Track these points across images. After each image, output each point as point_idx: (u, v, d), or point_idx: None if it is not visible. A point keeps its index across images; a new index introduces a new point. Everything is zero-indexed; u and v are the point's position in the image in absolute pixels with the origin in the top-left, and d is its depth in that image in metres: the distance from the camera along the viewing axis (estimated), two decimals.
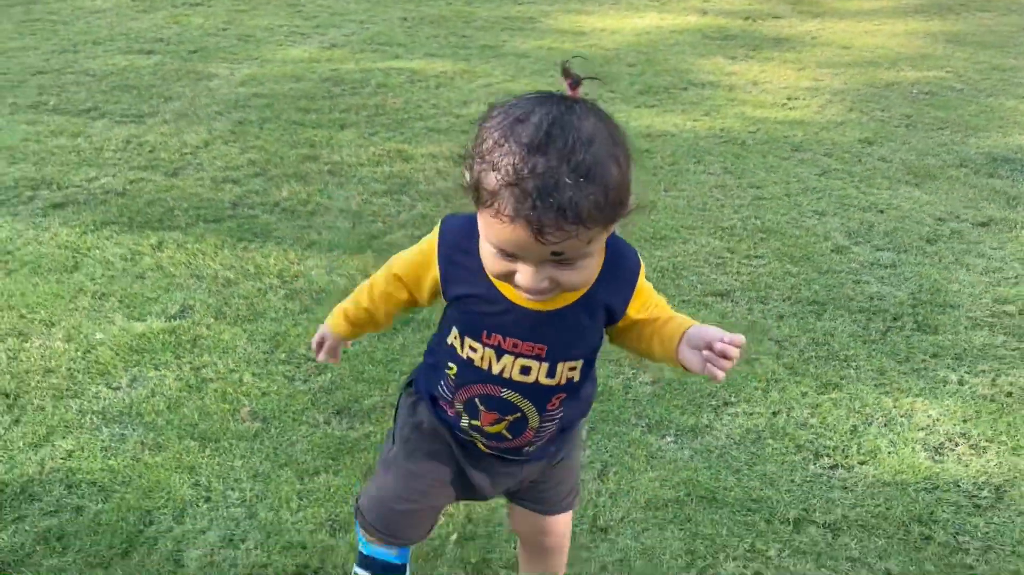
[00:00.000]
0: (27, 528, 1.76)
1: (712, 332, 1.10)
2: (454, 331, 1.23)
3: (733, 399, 2.24)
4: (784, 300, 2.70)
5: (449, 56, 4.99)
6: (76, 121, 3.87)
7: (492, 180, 0.98)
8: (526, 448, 1.31)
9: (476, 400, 1.26)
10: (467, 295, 1.19)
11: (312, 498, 1.87)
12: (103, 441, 2.00)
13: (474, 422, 1.28)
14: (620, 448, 2.06)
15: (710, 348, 1.09)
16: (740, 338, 1.08)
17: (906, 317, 2.63)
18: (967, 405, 2.25)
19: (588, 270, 1.10)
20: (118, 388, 2.18)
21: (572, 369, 1.23)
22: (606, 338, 1.28)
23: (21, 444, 1.99)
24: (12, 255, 2.77)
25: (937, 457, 2.08)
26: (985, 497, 1.96)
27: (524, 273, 1.05)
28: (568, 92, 1.04)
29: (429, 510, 1.38)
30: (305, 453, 1.99)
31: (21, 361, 2.27)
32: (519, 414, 1.26)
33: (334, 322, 1.39)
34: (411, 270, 1.25)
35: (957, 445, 2.12)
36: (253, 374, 2.24)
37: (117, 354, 2.29)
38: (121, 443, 2.00)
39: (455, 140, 3.73)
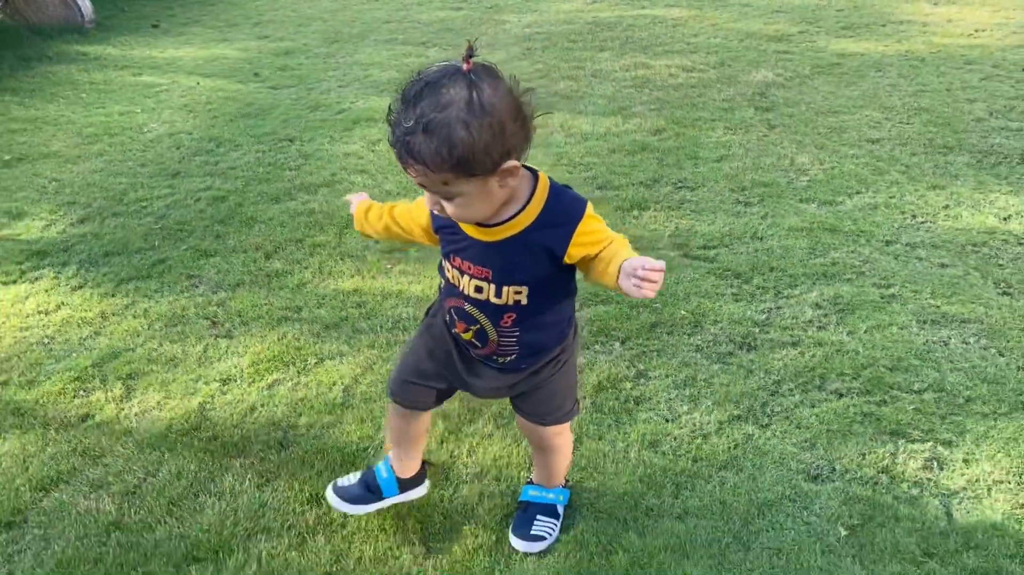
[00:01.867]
0: None
1: (636, 262, 1.34)
2: (441, 256, 1.61)
3: (863, 190, 3.34)
4: (921, 145, 3.71)
5: (684, 6, 6.22)
6: (417, 49, 5.54)
7: (389, 125, 1.33)
8: (496, 358, 1.64)
9: (452, 311, 1.62)
10: (442, 226, 1.56)
11: None
12: None
13: (453, 330, 1.65)
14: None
15: (637, 275, 1.32)
16: (659, 264, 1.32)
17: (1016, 156, 3.56)
18: None
19: (465, 208, 1.38)
20: None
21: (518, 293, 1.53)
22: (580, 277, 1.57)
23: None
24: None
25: (1002, 222, 3.07)
26: None
27: (425, 197, 1.43)
28: (464, 64, 1.28)
29: (431, 389, 1.76)
30: None
31: None
32: (478, 326, 1.59)
33: (375, 213, 1.73)
34: (416, 209, 1.64)
35: (1021, 216, 3.11)
36: None
37: None
38: None
39: (684, 56, 4.98)
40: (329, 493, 1.88)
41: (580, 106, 4.35)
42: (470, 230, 1.49)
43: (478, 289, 1.54)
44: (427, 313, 1.77)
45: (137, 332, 2.68)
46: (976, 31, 5.29)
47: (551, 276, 1.52)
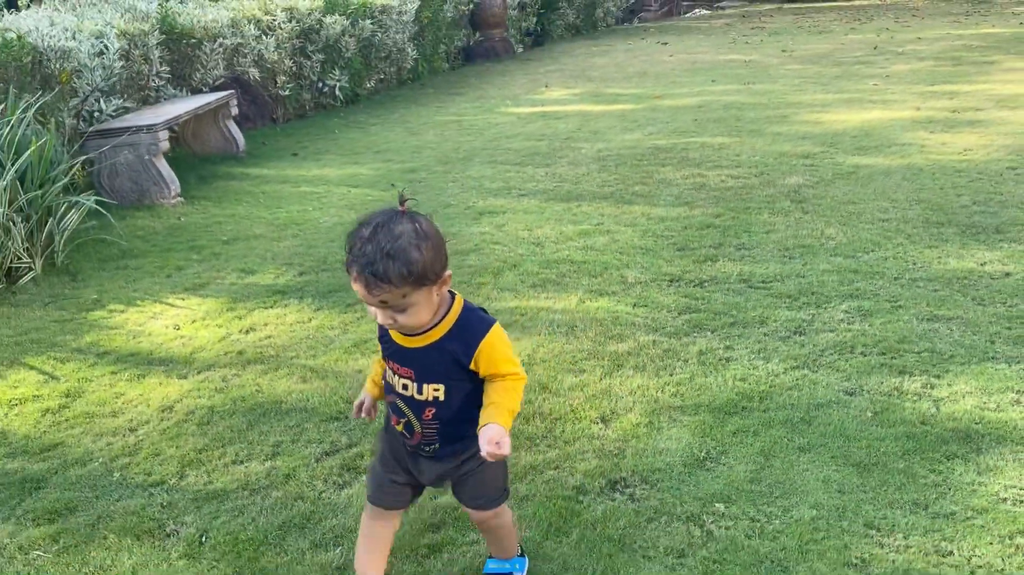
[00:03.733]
0: None
1: (493, 435, 1.75)
2: (383, 359, 1.97)
3: (876, 249, 4.55)
4: (920, 223, 4.95)
5: (726, 135, 7.66)
6: (514, 167, 6.96)
7: (348, 260, 1.71)
8: (424, 446, 1.94)
9: (389, 406, 1.97)
10: (382, 336, 1.93)
11: None
12: None
13: (391, 423, 1.99)
14: None
15: (488, 447, 1.75)
16: (504, 451, 1.75)
17: (991, 228, 4.76)
18: None
19: (417, 316, 1.75)
20: None
21: (436, 390, 1.86)
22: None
23: None
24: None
25: (979, 266, 4.25)
26: None
27: (377, 315, 1.77)
28: (400, 208, 1.73)
29: (403, 486, 2.05)
30: None
31: None
32: (406, 419, 1.92)
33: (368, 386, 2.07)
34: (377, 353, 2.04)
35: (992, 263, 4.28)
36: None
37: None
38: None
39: (731, 169, 6.33)
40: None
41: (654, 201, 5.67)
42: (398, 338, 1.86)
43: (404, 386, 1.89)
44: (386, 418, 2.07)
45: (373, 331, 3.88)
46: (965, 150, 6.60)
47: (463, 378, 1.86)
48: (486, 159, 7.32)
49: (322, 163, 7.63)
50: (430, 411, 1.89)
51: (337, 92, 10.37)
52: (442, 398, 1.87)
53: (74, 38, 6.46)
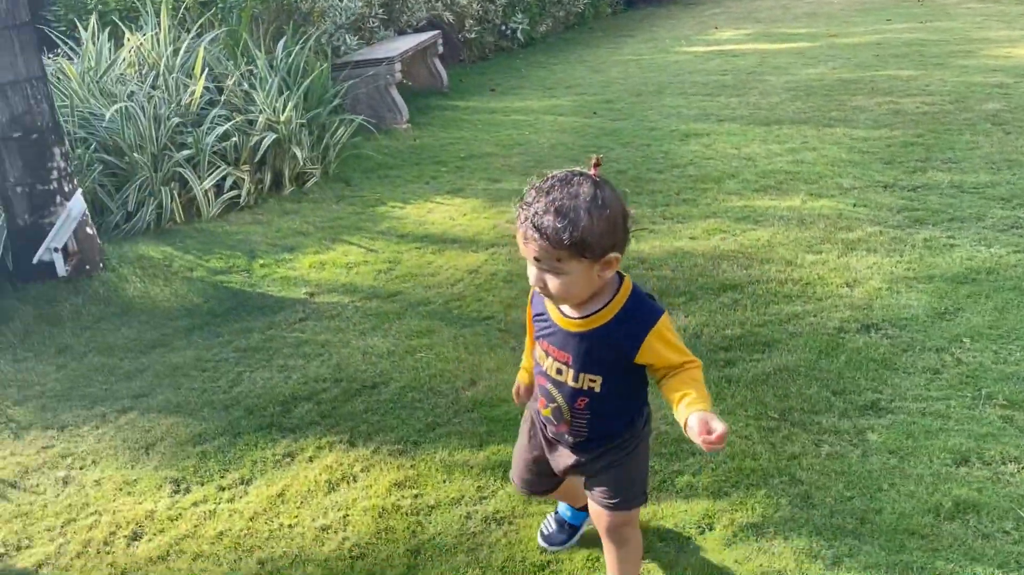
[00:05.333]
0: None
1: (706, 423, 1.59)
2: (535, 339, 1.86)
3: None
4: None
5: (912, 68, 7.86)
6: (706, 98, 7.43)
7: (519, 205, 1.63)
8: (568, 436, 1.85)
9: (538, 387, 1.88)
10: (536, 314, 1.83)
11: None
12: None
13: (536, 405, 1.91)
14: None
15: (705, 439, 1.57)
16: (722, 432, 1.56)
17: None
18: None
19: (567, 287, 1.62)
20: None
21: (592, 381, 1.74)
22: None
23: None
24: None
25: None
26: None
27: (530, 272, 1.66)
28: (591, 171, 1.62)
29: (537, 474, 2.03)
30: None
31: None
32: (556, 404, 1.82)
33: (520, 374, 2.05)
34: (527, 320, 1.92)
35: None
36: None
37: None
38: None
39: (924, 97, 6.61)
40: (540, 542, 2.26)
41: (853, 124, 6.06)
42: (558, 318, 1.75)
43: (559, 371, 1.77)
44: (530, 400, 2.01)
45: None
46: None
47: (623, 370, 1.74)
48: (676, 91, 7.82)
49: (521, 97, 8.33)
50: (583, 401, 1.78)
51: (519, 35, 11.04)
52: (598, 389, 1.76)
53: None
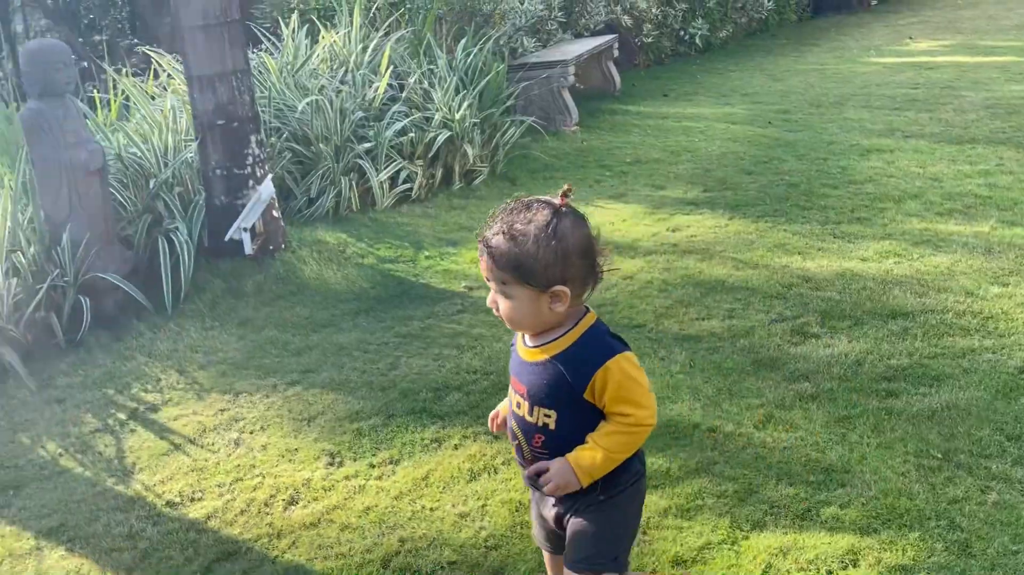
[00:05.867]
0: None
1: (534, 469, 1.65)
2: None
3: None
4: None
5: None
6: (892, 113, 7.02)
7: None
8: (534, 478, 1.68)
9: (508, 424, 1.77)
10: (512, 343, 1.76)
11: None
12: None
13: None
14: None
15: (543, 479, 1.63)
16: (543, 484, 1.62)
17: None
18: None
19: (513, 312, 1.60)
20: None
21: (547, 416, 1.63)
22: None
23: None
24: None
25: None
26: None
27: (490, 294, 1.65)
28: (558, 200, 1.59)
29: (542, 527, 1.86)
30: None
31: None
32: (518, 441, 1.72)
33: (504, 401, 1.82)
34: None
35: None
36: None
37: None
38: None
39: None
40: None
41: None
42: (520, 347, 1.70)
43: (518, 404, 1.70)
44: None
45: (794, 233, 4.39)
46: None
47: (579, 407, 1.61)
48: (860, 104, 7.44)
49: (694, 103, 8.19)
50: (539, 438, 1.68)
51: (697, 40, 10.86)
52: (552, 427, 1.65)
53: None
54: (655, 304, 3.74)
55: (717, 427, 2.80)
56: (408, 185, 5.48)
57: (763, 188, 5.25)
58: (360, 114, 5.57)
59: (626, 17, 9.93)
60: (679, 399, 2.98)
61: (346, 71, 5.96)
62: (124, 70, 5.56)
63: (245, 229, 4.26)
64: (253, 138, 4.43)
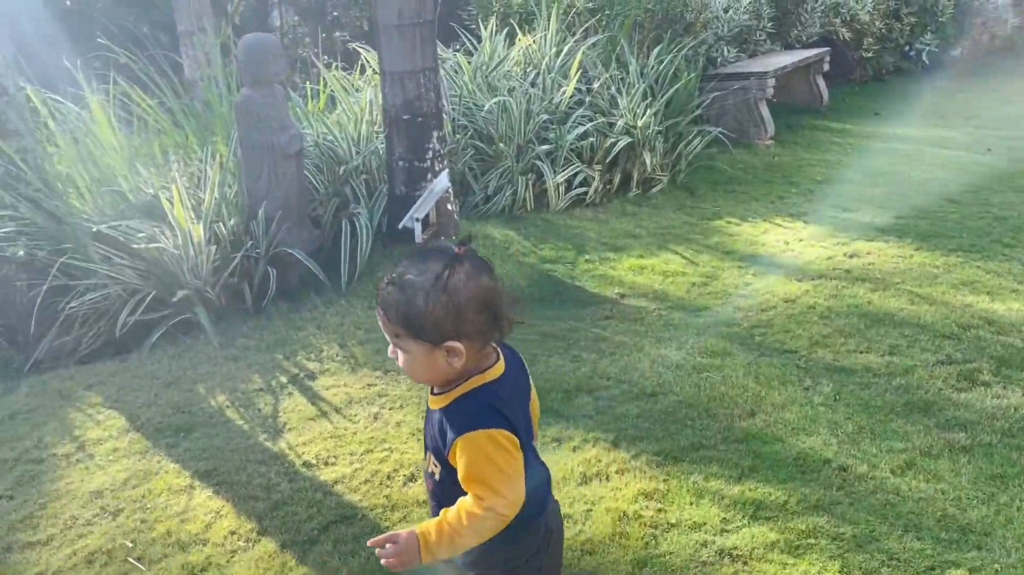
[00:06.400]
0: None
1: (399, 545, 1.48)
2: None
3: None
4: None
5: None
6: None
7: None
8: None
9: None
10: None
11: None
12: None
13: None
14: None
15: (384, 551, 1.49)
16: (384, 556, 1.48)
17: None
18: None
19: (408, 365, 1.51)
20: None
21: (435, 465, 1.56)
22: None
23: None
24: None
25: None
26: None
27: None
28: (457, 249, 1.48)
29: None
30: None
31: None
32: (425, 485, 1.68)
33: None
34: None
35: None
36: None
37: None
38: None
39: None
40: None
41: None
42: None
43: (424, 446, 1.66)
44: None
45: (985, 271, 4.02)
46: None
47: (451, 469, 1.52)
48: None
49: (906, 123, 7.64)
50: (430, 483, 1.63)
51: (924, 57, 10.09)
52: (437, 477, 1.59)
53: None
54: (812, 331, 3.56)
55: (849, 466, 2.63)
56: (584, 189, 5.54)
57: (964, 219, 4.83)
58: (545, 116, 5.69)
59: (844, 30, 9.41)
60: (814, 432, 2.83)
61: (537, 74, 6.10)
62: (335, 64, 6.03)
63: (417, 219, 4.49)
64: (435, 133, 4.66)
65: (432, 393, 1.59)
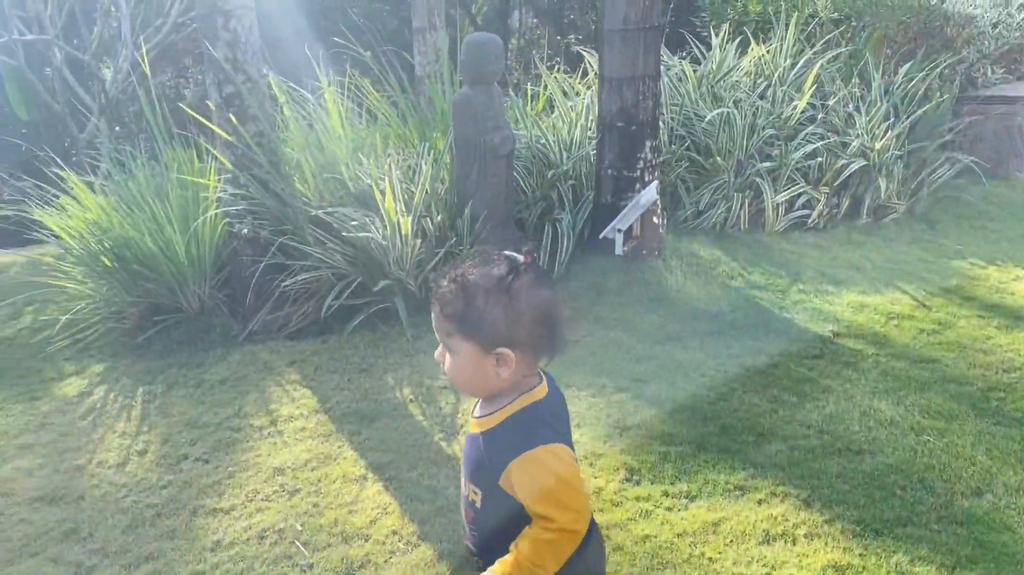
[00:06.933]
0: None
1: None
2: None
3: None
4: None
5: None
6: None
7: None
8: (474, 556, 1.54)
9: None
10: None
11: None
12: None
13: None
14: None
15: None
16: None
17: None
18: None
19: (455, 369, 1.45)
20: None
21: (475, 493, 1.47)
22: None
23: None
24: None
25: None
26: None
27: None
28: (521, 257, 1.44)
29: None
30: None
31: None
32: (463, 513, 1.57)
33: None
34: None
35: None
36: None
37: None
38: None
39: None
40: None
41: None
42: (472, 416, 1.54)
43: (462, 475, 1.57)
44: None
45: None
46: None
47: (499, 496, 1.43)
48: None
49: None
50: (469, 513, 1.54)
51: None
52: (479, 504, 1.49)
53: (976, 5, 6.66)
54: None
55: None
56: (806, 211, 5.13)
57: None
58: (771, 131, 5.33)
59: None
60: None
61: (767, 86, 5.74)
62: (558, 66, 5.99)
63: (619, 230, 4.34)
64: (648, 143, 4.48)
65: (474, 416, 1.51)
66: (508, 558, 1.42)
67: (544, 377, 1.51)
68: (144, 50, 6.21)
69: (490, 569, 1.43)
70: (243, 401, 3.52)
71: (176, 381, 3.81)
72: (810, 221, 5.10)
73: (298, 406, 3.43)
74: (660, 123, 4.72)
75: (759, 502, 2.59)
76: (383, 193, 4.18)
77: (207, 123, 4.51)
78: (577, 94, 5.77)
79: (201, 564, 2.52)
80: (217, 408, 3.48)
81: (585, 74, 6.00)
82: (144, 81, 6.02)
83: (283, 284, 4.24)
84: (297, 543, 2.57)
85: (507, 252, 1.46)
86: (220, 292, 4.50)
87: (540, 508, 1.38)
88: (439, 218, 4.49)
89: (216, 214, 4.34)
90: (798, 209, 5.12)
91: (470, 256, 1.51)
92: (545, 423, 1.44)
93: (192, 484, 2.94)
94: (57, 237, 4.51)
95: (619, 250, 4.37)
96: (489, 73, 4.40)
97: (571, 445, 1.52)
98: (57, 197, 4.53)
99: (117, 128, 8.58)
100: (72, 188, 4.50)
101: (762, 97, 5.65)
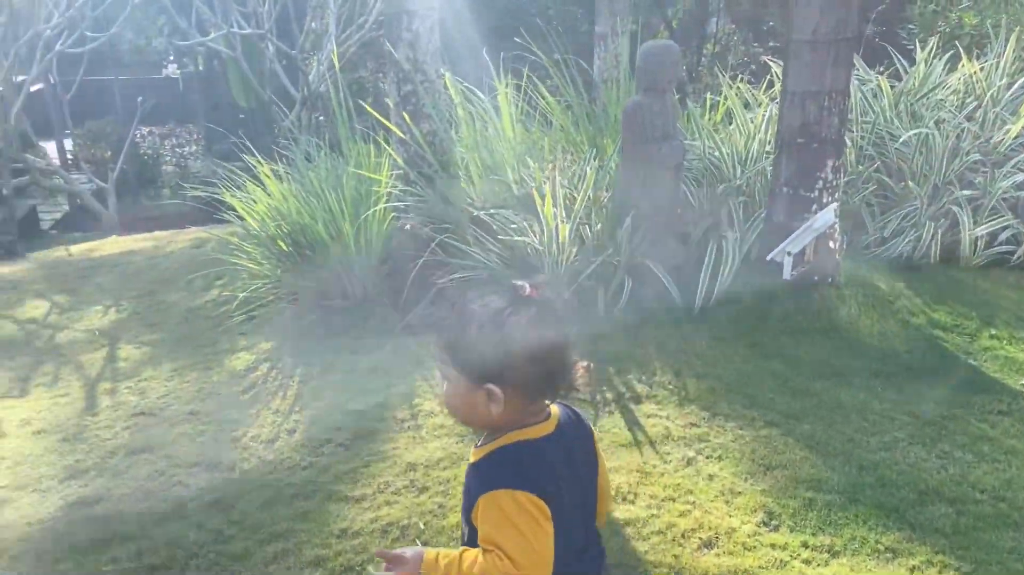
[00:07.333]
0: None
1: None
2: None
3: None
4: None
5: None
6: None
7: None
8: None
9: None
10: None
11: None
12: None
13: None
14: None
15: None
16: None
17: None
18: None
19: (447, 396, 1.41)
20: None
21: (466, 524, 1.41)
22: None
23: None
24: None
25: None
26: None
27: None
28: (526, 290, 1.38)
29: None
30: None
31: None
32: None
33: None
34: None
35: None
36: None
37: None
38: None
39: None
40: None
41: None
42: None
43: None
44: None
45: None
46: None
47: (474, 530, 1.38)
48: None
49: None
50: (462, 542, 1.49)
51: None
52: (466, 538, 1.45)
53: None
54: None
55: None
56: (1010, 247, 4.63)
57: None
58: (976, 156, 4.85)
59: None
60: None
61: (977, 106, 5.22)
62: (742, 76, 5.74)
63: (789, 253, 4.08)
64: (830, 162, 4.17)
65: (476, 445, 1.47)
66: (447, 552, 1.40)
67: (557, 412, 1.45)
68: (345, 46, 6.54)
69: (428, 551, 1.42)
70: (389, 392, 3.61)
71: (332, 365, 3.97)
72: (1014, 258, 4.59)
73: (440, 402, 3.48)
74: (846, 141, 4.39)
75: (912, 569, 2.34)
76: (543, 198, 4.16)
77: (384, 120, 4.68)
78: (759, 105, 5.50)
79: (326, 550, 2.59)
80: (365, 396, 3.59)
81: (772, 85, 5.71)
82: (340, 75, 6.34)
83: (440, 280, 4.32)
84: (419, 542, 2.59)
85: (516, 282, 1.42)
86: (383, 283, 4.66)
87: (488, 537, 1.34)
88: (598, 227, 4.41)
89: (384, 208, 4.49)
90: (1000, 244, 4.62)
91: (484, 283, 1.59)
92: (522, 465, 1.37)
93: (329, 469, 3.04)
94: (243, 219, 4.83)
95: (787, 274, 4.11)
96: (662, 81, 4.27)
97: (583, 493, 1.47)
98: (255, 182, 4.84)
99: (321, 118, 9.13)
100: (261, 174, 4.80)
101: (969, 119, 5.15)
